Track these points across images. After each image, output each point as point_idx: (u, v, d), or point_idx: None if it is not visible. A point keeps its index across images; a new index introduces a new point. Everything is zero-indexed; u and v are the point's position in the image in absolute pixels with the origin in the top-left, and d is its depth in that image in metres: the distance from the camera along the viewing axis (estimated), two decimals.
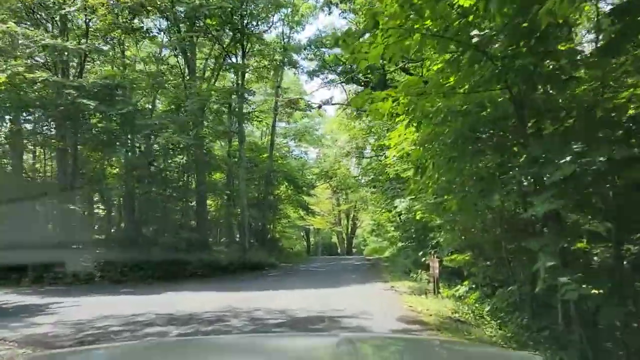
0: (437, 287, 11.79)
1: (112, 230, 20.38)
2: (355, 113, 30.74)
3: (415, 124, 7.28)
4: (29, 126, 18.79)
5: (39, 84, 14.08)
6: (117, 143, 17.50)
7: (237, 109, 22.63)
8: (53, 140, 18.41)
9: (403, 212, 14.79)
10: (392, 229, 39.84)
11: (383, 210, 38.79)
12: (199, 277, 17.68)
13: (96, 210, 21.20)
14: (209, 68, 22.84)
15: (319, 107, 25.59)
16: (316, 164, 41.81)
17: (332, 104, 26.93)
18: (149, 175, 18.50)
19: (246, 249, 20.85)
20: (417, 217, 11.67)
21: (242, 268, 19.70)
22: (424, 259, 14.33)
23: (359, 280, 15.22)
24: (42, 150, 21.01)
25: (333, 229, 56.10)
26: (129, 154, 18.56)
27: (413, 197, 13.21)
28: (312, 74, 27.10)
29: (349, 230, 55.94)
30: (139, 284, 16.14)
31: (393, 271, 17.81)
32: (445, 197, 9.28)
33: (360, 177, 36.27)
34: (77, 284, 16.22)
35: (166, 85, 19.01)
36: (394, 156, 9.78)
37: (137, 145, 18.77)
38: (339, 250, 60.27)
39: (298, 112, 32.03)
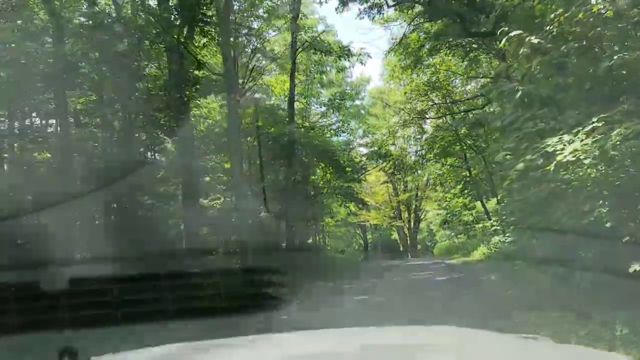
0: None
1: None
2: (412, 60, 21.57)
3: None
4: None
5: None
6: None
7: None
8: None
9: (588, 158, 5.65)
10: (470, 217, 30.33)
11: (459, 194, 29.24)
12: (144, 319, 9.33)
13: None
14: None
15: None
16: (363, 140, 32.74)
17: None
18: None
19: (246, 269, 12.22)
20: None
21: (233, 300, 11.15)
22: None
23: None
24: None
25: (392, 224, 46.75)
26: None
27: None
28: None
29: (412, 224, 46.33)
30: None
31: (523, 300, 8.60)
32: None
33: (423, 151, 26.94)
34: None
35: None
36: None
37: None
38: (400, 248, 50.80)
39: (332, 63, 23.20)
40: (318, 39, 19.30)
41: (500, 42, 18.41)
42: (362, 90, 33.42)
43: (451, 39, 20.51)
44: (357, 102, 33.21)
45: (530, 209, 10.09)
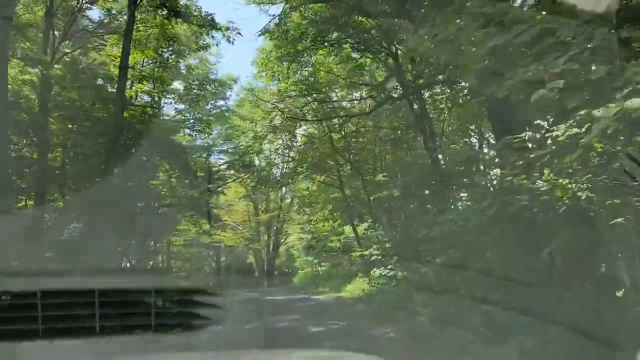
0: None
1: None
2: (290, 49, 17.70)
3: None
4: None
5: None
6: None
7: None
8: None
9: None
10: (337, 243, 27.15)
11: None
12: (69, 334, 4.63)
13: None
14: None
15: None
16: (225, 147, 27.98)
17: None
18: None
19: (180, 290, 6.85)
20: None
21: (164, 319, 5.97)
22: None
23: None
24: None
25: (250, 246, 42.26)
26: None
27: None
28: None
29: (271, 247, 42.24)
30: None
31: None
32: None
33: (293, 163, 23.11)
34: None
35: None
36: None
37: None
38: (256, 273, 46.30)
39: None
40: None
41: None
42: (228, 90, 29.05)
43: (336, 33, 17.28)
44: (222, 102, 28.68)
45: (475, 231, 6.51)
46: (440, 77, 14.73)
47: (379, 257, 15.27)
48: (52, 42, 15.33)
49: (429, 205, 19.47)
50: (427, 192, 16.65)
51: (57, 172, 15.99)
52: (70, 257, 14.50)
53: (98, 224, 15.10)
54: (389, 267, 14.75)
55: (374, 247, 16.27)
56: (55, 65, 13.09)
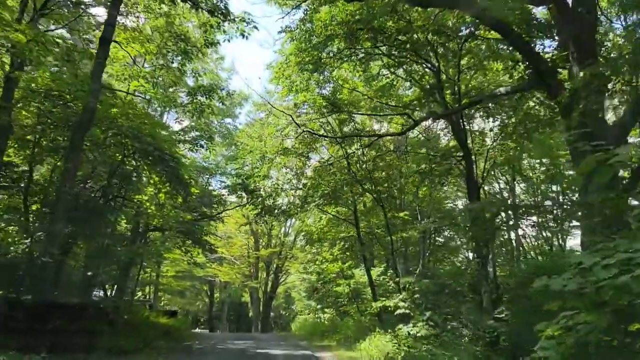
0: None
1: None
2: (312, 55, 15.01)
3: None
4: None
5: None
6: None
7: None
8: None
9: None
10: (346, 289, 23.80)
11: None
12: None
13: None
14: None
15: None
16: (228, 169, 25.13)
17: None
18: None
19: None
20: None
21: None
22: None
23: None
24: None
25: (246, 284, 38.74)
26: None
27: None
28: None
29: (268, 287, 38.55)
30: None
31: None
32: None
33: (304, 190, 20.04)
34: None
35: None
36: None
37: None
38: (250, 313, 42.50)
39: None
40: None
41: None
42: (238, 108, 26.62)
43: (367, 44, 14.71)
44: (229, 120, 26.19)
45: None
46: (499, 90, 11.96)
47: (408, 312, 12.04)
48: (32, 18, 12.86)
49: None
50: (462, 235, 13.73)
51: (21, 171, 13.13)
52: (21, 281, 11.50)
53: (62, 241, 12.08)
54: (419, 324, 11.58)
55: (401, 296, 13.02)
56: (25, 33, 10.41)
